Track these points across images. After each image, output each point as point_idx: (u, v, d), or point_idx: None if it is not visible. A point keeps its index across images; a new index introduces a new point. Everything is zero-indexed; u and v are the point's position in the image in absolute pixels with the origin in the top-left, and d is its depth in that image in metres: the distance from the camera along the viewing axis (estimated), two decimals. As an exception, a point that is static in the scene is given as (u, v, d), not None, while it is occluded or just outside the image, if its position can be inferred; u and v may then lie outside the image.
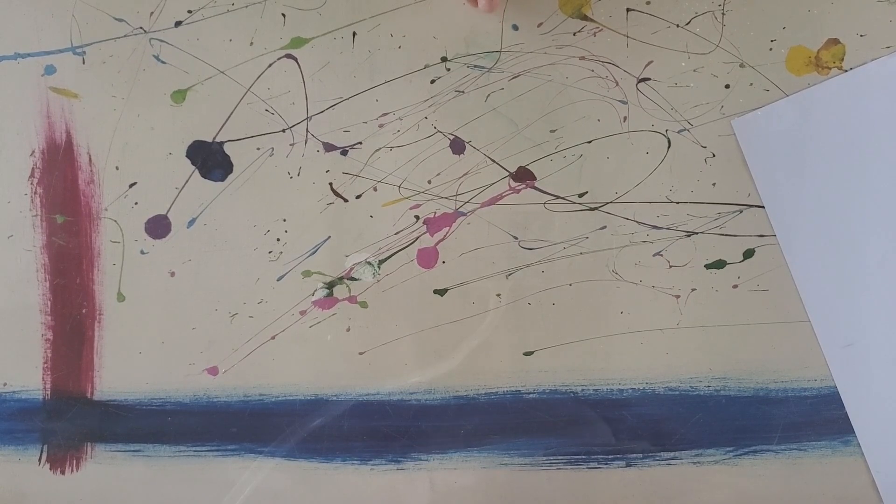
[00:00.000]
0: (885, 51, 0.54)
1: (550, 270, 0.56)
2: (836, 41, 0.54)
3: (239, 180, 0.57)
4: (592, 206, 0.56)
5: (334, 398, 0.58)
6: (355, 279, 0.57)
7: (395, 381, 0.57)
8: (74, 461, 0.59)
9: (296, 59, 0.56)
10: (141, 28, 0.56)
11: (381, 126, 0.56)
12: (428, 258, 0.57)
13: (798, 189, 0.55)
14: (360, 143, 0.56)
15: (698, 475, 0.57)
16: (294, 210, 0.57)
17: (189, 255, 0.57)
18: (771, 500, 0.57)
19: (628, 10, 0.55)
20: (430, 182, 0.56)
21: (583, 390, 0.57)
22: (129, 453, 0.58)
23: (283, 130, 0.57)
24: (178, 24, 0.56)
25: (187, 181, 0.57)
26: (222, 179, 0.57)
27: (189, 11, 0.56)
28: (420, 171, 0.56)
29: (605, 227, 0.56)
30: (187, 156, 0.57)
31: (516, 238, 0.56)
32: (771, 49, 0.54)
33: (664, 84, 0.55)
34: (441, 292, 0.57)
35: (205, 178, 0.57)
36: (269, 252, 0.57)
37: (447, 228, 0.57)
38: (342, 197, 0.57)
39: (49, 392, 0.58)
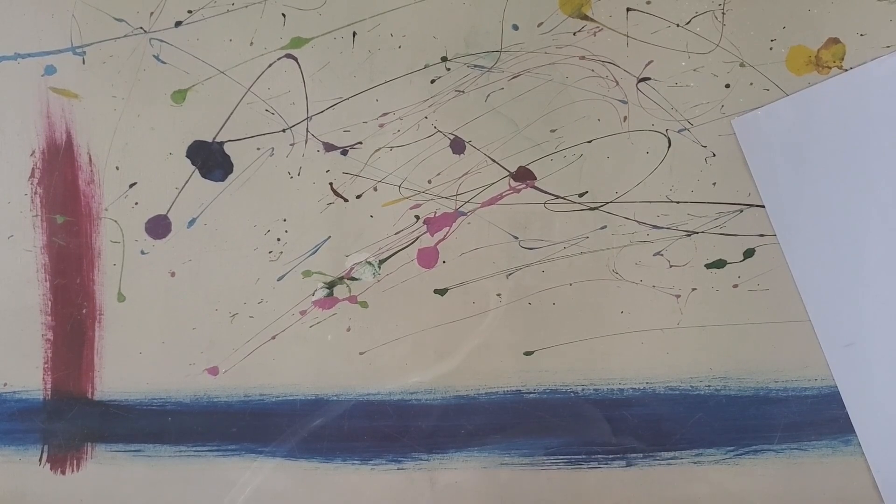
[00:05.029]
0: (885, 50, 0.54)
1: (551, 270, 0.56)
2: (836, 41, 0.54)
3: (239, 180, 0.57)
4: (593, 205, 0.56)
5: (335, 398, 0.58)
6: (355, 279, 0.57)
7: (395, 381, 0.57)
8: (75, 461, 0.59)
9: (296, 59, 0.56)
10: (141, 28, 0.56)
11: (381, 126, 0.56)
12: (428, 258, 0.57)
13: (798, 188, 0.55)
14: (361, 142, 0.56)
15: (698, 475, 0.57)
16: (294, 210, 0.57)
17: (189, 255, 0.57)
18: (771, 499, 0.57)
19: (628, 9, 0.55)
20: (430, 182, 0.56)
21: (583, 390, 0.57)
22: (130, 453, 0.58)
23: (284, 130, 0.56)
24: (178, 24, 0.56)
25: (187, 181, 0.57)
26: (222, 179, 0.57)
27: (189, 11, 0.56)
28: (420, 171, 0.56)
29: (605, 226, 0.56)
30: (187, 156, 0.57)
31: (516, 238, 0.56)
32: (771, 48, 0.54)
33: (664, 84, 0.55)
34: (441, 292, 0.57)
35: (205, 178, 0.57)
36: (270, 252, 0.57)
37: (447, 228, 0.57)
38: (342, 197, 0.57)
39: (49, 392, 0.58)
